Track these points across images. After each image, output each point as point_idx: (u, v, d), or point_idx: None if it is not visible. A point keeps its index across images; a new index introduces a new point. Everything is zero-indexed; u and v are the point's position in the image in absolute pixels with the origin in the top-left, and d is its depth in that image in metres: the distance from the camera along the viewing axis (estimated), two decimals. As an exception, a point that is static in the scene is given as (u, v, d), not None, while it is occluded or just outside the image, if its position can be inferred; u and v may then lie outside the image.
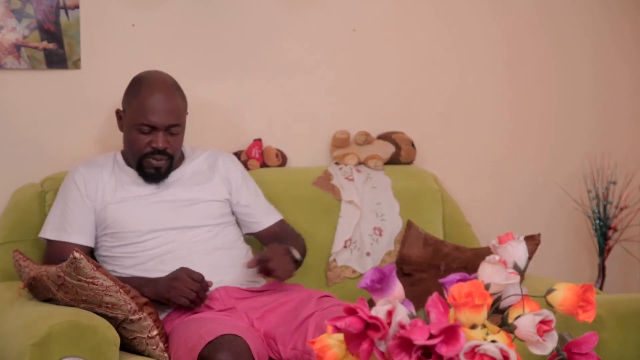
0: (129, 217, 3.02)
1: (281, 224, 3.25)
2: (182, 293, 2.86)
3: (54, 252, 3.02)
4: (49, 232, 3.05)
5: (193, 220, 3.07)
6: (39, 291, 2.75)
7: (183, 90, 3.10)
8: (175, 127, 3.03)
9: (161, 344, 2.78)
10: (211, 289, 2.94)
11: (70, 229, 3.02)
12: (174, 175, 3.11)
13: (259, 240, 3.24)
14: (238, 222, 3.21)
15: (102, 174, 3.07)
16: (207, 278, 2.93)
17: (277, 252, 2.98)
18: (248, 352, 2.67)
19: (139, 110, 3.01)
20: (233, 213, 3.19)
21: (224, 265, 3.03)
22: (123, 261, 3.02)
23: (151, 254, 3.01)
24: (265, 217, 3.22)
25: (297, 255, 3.06)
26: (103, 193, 3.05)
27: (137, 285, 2.86)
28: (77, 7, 3.29)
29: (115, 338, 2.65)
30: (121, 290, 2.72)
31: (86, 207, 3.04)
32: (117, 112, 3.11)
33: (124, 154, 3.13)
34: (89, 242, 3.04)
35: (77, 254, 2.65)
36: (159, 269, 2.97)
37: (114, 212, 3.03)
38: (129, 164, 3.11)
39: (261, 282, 3.09)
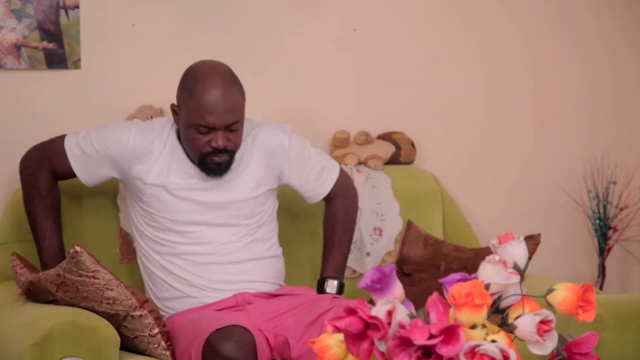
0: (166, 206, 2.95)
1: (338, 181, 3.16)
2: None
3: (53, 143, 3.01)
4: (72, 142, 3.00)
5: (231, 219, 2.99)
6: (38, 296, 2.75)
7: (238, 79, 2.97)
8: (234, 125, 2.89)
9: (163, 342, 2.77)
10: (230, 294, 2.95)
11: (86, 165, 2.98)
12: (224, 180, 2.99)
13: None
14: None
15: (153, 149, 2.96)
16: (227, 291, 2.94)
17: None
18: (253, 345, 2.67)
19: (195, 111, 2.86)
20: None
21: (251, 279, 3.00)
22: (149, 236, 2.99)
23: (183, 249, 2.97)
24: (319, 188, 3.13)
25: (332, 288, 3.08)
26: (147, 170, 2.95)
27: None
28: (77, 7, 3.29)
29: (116, 338, 2.65)
30: (121, 284, 2.72)
31: (107, 160, 2.97)
32: (172, 106, 2.96)
33: (180, 138, 3.00)
34: (83, 177, 3.00)
35: (77, 248, 2.65)
36: (183, 267, 2.95)
37: (151, 193, 2.95)
38: (182, 148, 2.98)
39: (279, 284, 3.08)
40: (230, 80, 2.92)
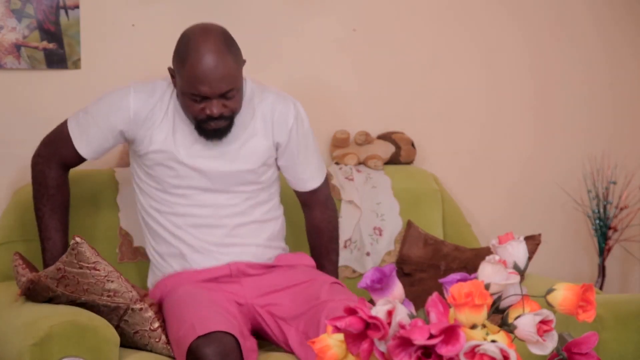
0: (169, 170, 2.93)
1: (315, 194, 3.12)
2: None
3: (60, 131, 3.00)
4: (73, 124, 2.99)
5: (233, 186, 2.96)
6: (37, 294, 2.74)
7: (235, 41, 2.91)
8: (229, 92, 2.83)
9: (164, 337, 2.77)
10: (225, 262, 2.94)
11: (86, 138, 2.96)
12: (227, 145, 2.96)
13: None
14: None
15: (154, 114, 2.93)
16: (229, 250, 2.94)
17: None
18: (237, 351, 2.67)
19: (188, 79, 2.81)
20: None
21: (251, 242, 2.98)
22: (150, 195, 2.98)
23: (182, 210, 2.95)
24: (308, 180, 3.09)
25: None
26: (150, 135, 2.92)
27: None
28: (77, 7, 3.29)
29: (115, 338, 2.65)
30: (122, 277, 2.72)
31: (110, 132, 2.94)
32: (169, 69, 2.91)
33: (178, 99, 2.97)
34: (89, 155, 2.98)
35: (78, 239, 2.65)
36: (180, 226, 2.95)
37: (155, 158, 2.93)
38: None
39: (273, 258, 3.05)
40: (223, 46, 2.85)
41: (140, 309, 2.74)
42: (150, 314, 2.75)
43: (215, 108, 2.83)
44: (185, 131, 2.94)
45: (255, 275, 2.97)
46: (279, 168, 3.08)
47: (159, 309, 2.85)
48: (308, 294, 2.89)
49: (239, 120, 2.94)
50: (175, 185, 2.95)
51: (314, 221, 3.17)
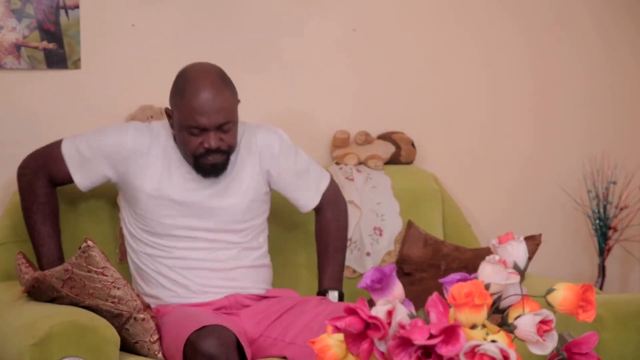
0: (162, 210, 2.95)
1: (324, 198, 3.15)
2: None
3: (52, 148, 3.01)
4: (71, 149, 3.00)
5: (224, 224, 2.99)
6: (41, 292, 2.75)
7: (231, 80, 2.99)
8: (226, 125, 2.90)
9: (162, 350, 2.78)
10: (223, 295, 2.96)
11: (82, 169, 2.98)
12: (219, 184, 3.00)
13: None
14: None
15: (150, 153, 2.96)
16: (219, 293, 2.96)
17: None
18: (234, 343, 2.67)
19: (186, 113, 2.87)
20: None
21: (242, 285, 3.01)
22: (143, 241, 2.99)
23: (175, 253, 2.97)
24: (310, 196, 3.13)
25: (333, 298, 3.06)
26: (143, 172, 2.95)
27: None
28: (77, 7, 3.29)
29: (116, 338, 2.65)
30: (128, 285, 2.72)
31: (106, 167, 2.97)
32: (166, 110, 2.97)
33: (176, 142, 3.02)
34: (85, 187, 3.00)
35: (90, 242, 2.65)
36: (176, 270, 2.96)
37: (146, 195, 2.95)
38: (179, 152, 2.99)
39: (267, 287, 3.09)
40: (220, 81, 2.93)
41: (143, 319, 2.74)
42: (151, 325, 2.75)
43: (212, 140, 2.88)
44: (179, 171, 2.97)
45: (253, 304, 2.99)
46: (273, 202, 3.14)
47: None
48: (299, 307, 2.91)
49: (231, 164, 2.99)
50: (170, 225, 2.96)
51: (323, 221, 3.18)
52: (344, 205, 3.23)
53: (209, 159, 2.91)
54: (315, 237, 3.21)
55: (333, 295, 3.09)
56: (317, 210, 3.18)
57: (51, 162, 3.02)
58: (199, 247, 2.98)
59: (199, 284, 2.97)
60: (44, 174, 3.01)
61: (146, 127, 3.02)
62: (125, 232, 3.05)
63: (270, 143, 3.06)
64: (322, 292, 3.11)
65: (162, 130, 3.02)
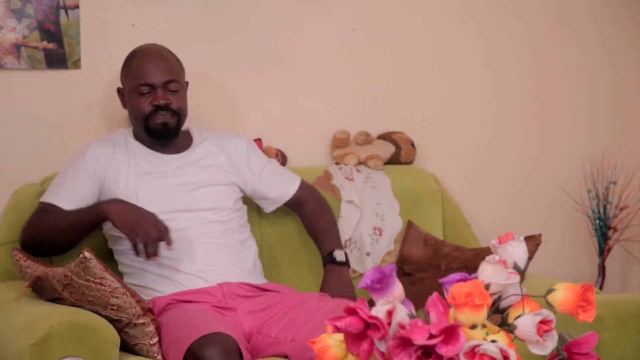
0: (139, 197, 3.01)
1: (302, 188, 3.27)
2: (143, 233, 2.85)
3: (39, 211, 3.02)
4: (43, 197, 3.05)
5: (201, 202, 3.06)
6: (44, 291, 2.75)
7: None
8: (172, 83, 3.07)
9: (162, 352, 2.78)
10: (214, 282, 2.96)
11: (62, 194, 3.02)
12: (183, 158, 3.12)
13: (288, 207, 3.28)
14: (258, 206, 3.26)
15: (115, 152, 3.08)
16: (210, 274, 2.96)
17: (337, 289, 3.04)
18: (237, 349, 2.67)
19: (135, 74, 3.06)
20: (244, 200, 3.20)
21: (229, 263, 3.03)
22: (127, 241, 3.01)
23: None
24: (283, 190, 3.24)
25: (340, 255, 3.13)
26: (116, 171, 3.05)
27: (100, 207, 2.92)
28: (77, 7, 3.29)
29: (116, 338, 2.65)
30: (127, 292, 2.72)
31: (88, 181, 3.03)
32: (118, 90, 3.15)
33: (134, 131, 3.15)
34: (75, 205, 3.01)
35: (87, 254, 2.66)
36: (165, 255, 2.95)
37: (124, 190, 3.02)
38: (138, 139, 3.12)
39: (262, 280, 3.10)
40: (165, 50, 3.14)
41: (143, 324, 2.74)
42: (151, 328, 2.75)
43: (160, 97, 3.04)
44: (146, 158, 3.09)
45: (251, 297, 2.99)
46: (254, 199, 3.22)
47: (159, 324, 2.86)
48: (299, 305, 2.91)
49: (188, 154, 3.12)
50: (157, 211, 2.97)
51: (307, 211, 3.27)
52: (324, 200, 3.32)
53: (158, 117, 3.06)
54: (304, 224, 3.28)
55: (340, 253, 3.15)
56: (299, 203, 3.25)
57: (45, 222, 3.01)
58: (180, 228, 3.00)
59: (188, 265, 2.98)
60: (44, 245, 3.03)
61: (104, 139, 3.14)
62: (113, 250, 3.08)
63: (238, 143, 3.22)
64: (329, 253, 3.15)
65: (119, 134, 3.16)
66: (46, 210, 3.01)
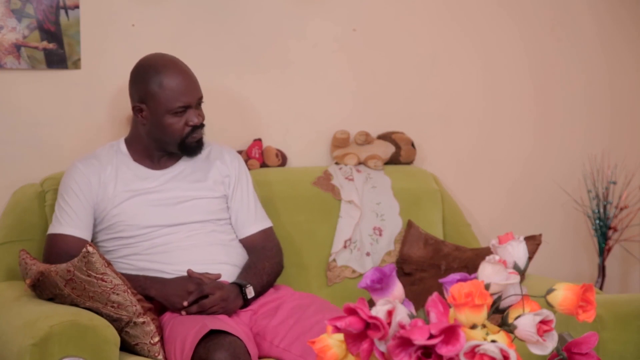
0: (128, 212, 3.02)
1: (264, 233, 3.16)
2: (176, 305, 2.87)
3: (50, 245, 3.02)
4: (50, 229, 3.05)
5: (190, 216, 3.06)
6: (45, 288, 2.76)
7: None
8: (201, 98, 3.09)
9: (163, 352, 2.78)
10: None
11: (65, 221, 3.01)
12: (175, 169, 3.11)
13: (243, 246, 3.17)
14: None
15: (103, 169, 3.05)
16: (199, 267, 2.96)
17: (218, 288, 2.91)
18: (245, 351, 2.67)
19: (170, 96, 3.01)
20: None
21: (220, 260, 3.02)
22: (118, 251, 3.02)
23: (147, 245, 3.01)
24: (247, 225, 3.15)
25: (250, 293, 2.95)
26: (104, 188, 3.04)
27: (142, 284, 2.88)
28: (77, 7, 3.29)
29: (116, 338, 2.65)
30: (129, 290, 2.72)
31: (83, 202, 3.02)
32: (135, 107, 3.05)
33: (129, 144, 3.11)
34: (84, 235, 3.01)
35: (90, 248, 2.66)
36: (153, 260, 2.98)
37: (113, 206, 3.02)
38: (132, 155, 3.09)
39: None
40: (182, 63, 3.10)
41: (143, 323, 2.74)
42: (151, 327, 2.75)
43: (196, 117, 3.05)
44: (134, 172, 3.08)
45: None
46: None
47: (160, 323, 2.86)
48: (297, 312, 2.91)
49: (180, 166, 3.12)
50: (136, 225, 3.01)
51: (255, 253, 3.12)
52: (279, 261, 3.15)
53: (194, 136, 3.06)
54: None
55: (250, 292, 2.96)
56: (250, 248, 3.13)
57: (59, 250, 3.00)
58: (165, 234, 3.02)
59: (174, 264, 2.98)
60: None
61: (88, 157, 3.10)
62: (101, 250, 3.08)
63: (230, 154, 3.21)
64: (243, 284, 2.97)
65: (106, 149, 3.12)
66: (56, 244, 2.99)
